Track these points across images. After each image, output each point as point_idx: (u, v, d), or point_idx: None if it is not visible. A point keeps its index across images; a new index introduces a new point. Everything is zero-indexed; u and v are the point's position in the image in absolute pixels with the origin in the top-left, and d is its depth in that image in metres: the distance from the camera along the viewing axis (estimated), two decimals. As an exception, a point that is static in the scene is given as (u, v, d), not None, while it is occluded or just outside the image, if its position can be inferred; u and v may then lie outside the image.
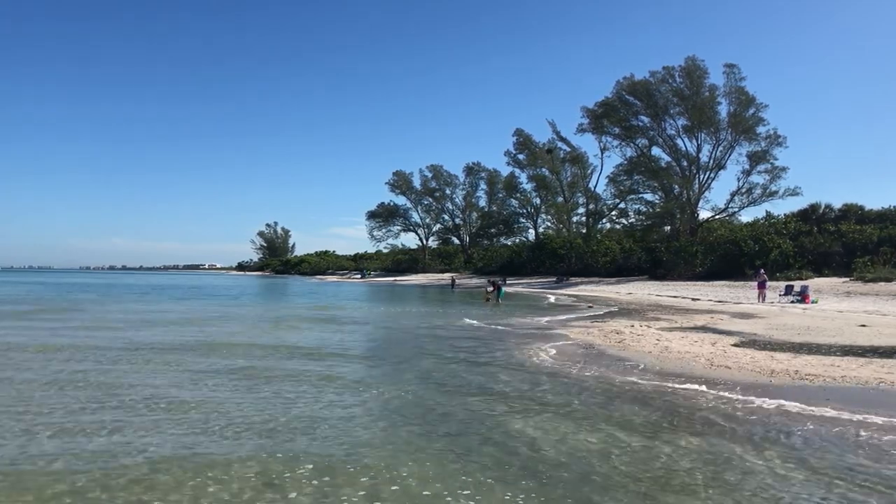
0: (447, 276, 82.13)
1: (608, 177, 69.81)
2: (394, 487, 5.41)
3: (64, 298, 38.34)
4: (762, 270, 34.99)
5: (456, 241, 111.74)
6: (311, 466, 5.90)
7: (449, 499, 5.20)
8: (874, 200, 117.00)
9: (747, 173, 58.17)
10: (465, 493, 5.31)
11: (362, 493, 5.27)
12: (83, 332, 17.80)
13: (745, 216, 63.29)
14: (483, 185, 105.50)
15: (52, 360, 12.16)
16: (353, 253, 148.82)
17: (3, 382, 9.96)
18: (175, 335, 17.23)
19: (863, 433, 7.06)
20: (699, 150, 61.20)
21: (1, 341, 15.14)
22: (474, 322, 22.25)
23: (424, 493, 5.30)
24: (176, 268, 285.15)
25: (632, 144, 65.79)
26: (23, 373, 10.85)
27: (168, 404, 8.39)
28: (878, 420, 7.57)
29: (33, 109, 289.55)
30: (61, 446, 6.52)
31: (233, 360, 12.59)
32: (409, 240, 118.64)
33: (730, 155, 59.52)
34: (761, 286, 31.99)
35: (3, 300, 35.33)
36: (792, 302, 29.64)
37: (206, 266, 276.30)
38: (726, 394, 9.29)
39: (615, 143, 67.39)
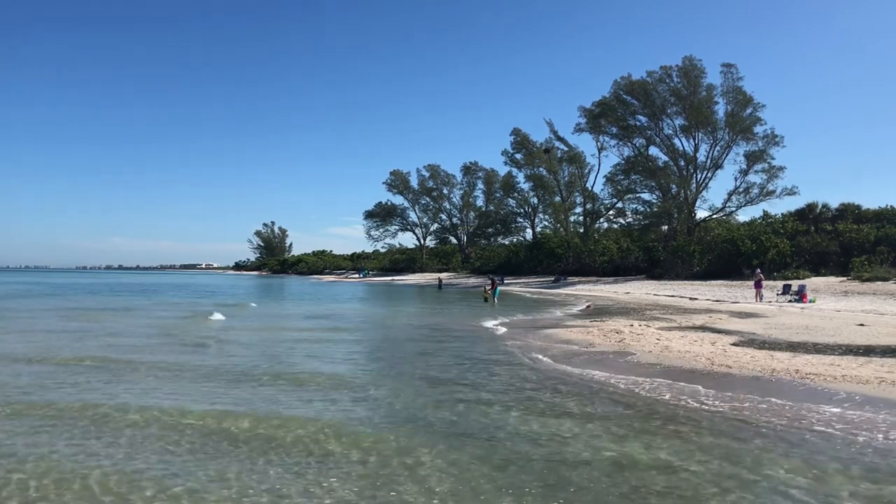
0: (443, 275, 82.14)
1: (606, 176, 69.93)
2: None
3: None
4: (758, 270, 35.08)
5: (453, 240, 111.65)
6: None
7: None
8: (871, 200, 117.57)
9: (745, 173, 58.33)
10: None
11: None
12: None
13: (743, 216, 63.51)
14: (480, 185, 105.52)
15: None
16: (350, 252, 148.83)
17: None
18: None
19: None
20: (696, 149, 61.35)
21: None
22: (470, 322, 22.28)
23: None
24: (173, 267, 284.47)
25: (629, 144, 65.90)
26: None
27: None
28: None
29: (32, 111, 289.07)
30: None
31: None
32: (407, 239, 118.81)
33: (727, 154, 59.68)
34: (757, 286, 32.07)
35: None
36: (790, 301, 29.69)
37: (203, 266, 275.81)
38: (730, 393, 9.32)
39: (613, 142, 67.57)
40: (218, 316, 23.72)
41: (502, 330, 19.37)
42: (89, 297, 41.70)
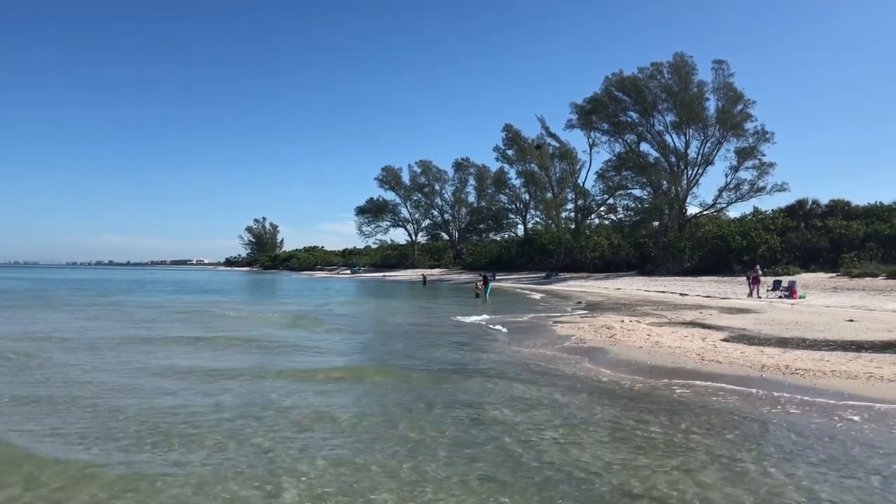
0: (434, 271, 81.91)
1: (597, 172, 69.78)
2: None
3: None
4: (757, 266, 34.79)
5: (445, 236, 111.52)
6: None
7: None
8: (861, 196, 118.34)
9: (735, 169, 58.30)
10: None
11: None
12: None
13: (733, 212, 63.44)
14: (472, 181, 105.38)
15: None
16: (342, 249, 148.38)
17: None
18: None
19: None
20: (687, 145, 61.31)
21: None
22: (461, 318, 22.19)
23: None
24: (164, 263, 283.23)
25: (620, 140, 65.75)
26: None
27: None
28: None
29: (26, 110, 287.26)
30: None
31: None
32: (398, 235, 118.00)
33: (718, 151, 59.63)
34: (755, 281, 31.81)
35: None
36: (780, 297, 29.74)
37: (194, 262, 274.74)
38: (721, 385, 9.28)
39: (604, 138, 67.45)
40: None
41: (491, 324, 19.28)
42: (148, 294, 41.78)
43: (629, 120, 63.92)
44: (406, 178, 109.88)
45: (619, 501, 5.10)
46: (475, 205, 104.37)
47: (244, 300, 36.68)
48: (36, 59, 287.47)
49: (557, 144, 79.04)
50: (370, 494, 5.21)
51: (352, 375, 10.73)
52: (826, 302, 26.23)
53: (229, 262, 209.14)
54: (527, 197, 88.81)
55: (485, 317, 22.39)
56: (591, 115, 64.87)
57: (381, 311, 28.04)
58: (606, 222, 74.12)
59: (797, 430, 7.03)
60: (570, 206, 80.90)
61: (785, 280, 33.46)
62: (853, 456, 6.12)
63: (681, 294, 35.18)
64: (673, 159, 62.25)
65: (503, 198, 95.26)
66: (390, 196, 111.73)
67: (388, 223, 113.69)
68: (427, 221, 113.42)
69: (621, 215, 69.42)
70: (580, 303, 30.89)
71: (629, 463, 5.98)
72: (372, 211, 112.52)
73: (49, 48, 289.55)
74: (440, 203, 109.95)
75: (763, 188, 56.89)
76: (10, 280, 67.11)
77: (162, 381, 10.05)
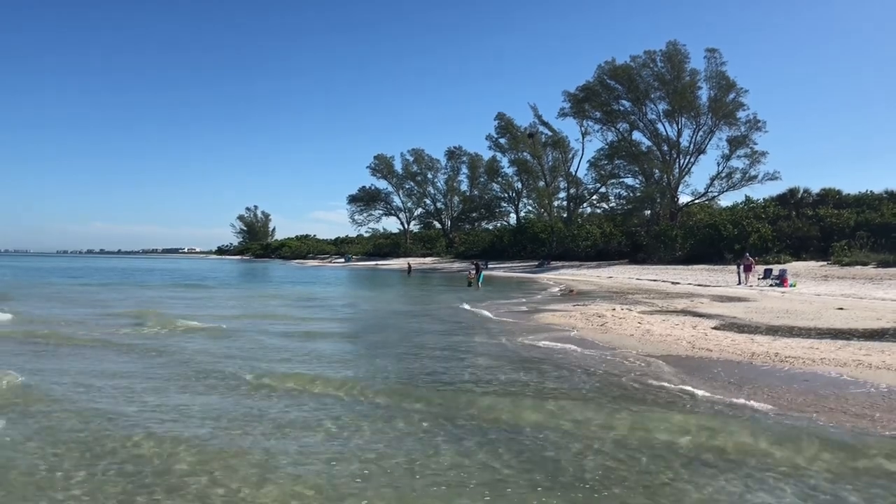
0: (427, 260, 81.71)
1: (589, 161, 69.82)
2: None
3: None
4: (748, 254, 34.91)
5: (438, 225, 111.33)
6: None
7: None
8: (852, 185, 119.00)
9: (727, 158, 58.34)
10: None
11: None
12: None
13: (725, 200, 63.65)
14: (465, 170, 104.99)
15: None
16: (334, 237, 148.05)
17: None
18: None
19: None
20: (679, 134, 61.29)
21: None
22: (454, 305, 22.14)
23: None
24: (155, 251, 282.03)
25: (613, 129, 65.71)
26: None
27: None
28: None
29: (13, 97, 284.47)
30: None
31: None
32: (391, 224, 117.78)
33: (710, 139, 59.66)
34: (748, 269, 31.96)
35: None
36: (771, 286, 29.87)
37: (186, 250, 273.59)
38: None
39: (596, 127, 67.37)
40: None
41: (483, 312, 19.23)
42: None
43: (621, 108, 63.88)
44: (398, 167, 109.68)
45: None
46: (467, 193, 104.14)
47: (271, 288, 36.56)
48: (24, 46, 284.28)
49: (550, 133, 78.93)
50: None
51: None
52: (816, 290, 26.35)
53: (221, 251, 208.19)
54: (519, 185, 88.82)
55: (476, 305, 22.34)
56: (583, 103, 64.74)
57: (377, 299, 27.98)
58: (598, 211, 74.24)
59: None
60: (562, 194, 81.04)
61: (776, 268, 33.61)
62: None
63: (672, 282, 35.29)
64: (665, 148, 62.29)
65: (495, 186, 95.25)
66: (382, 184, 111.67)
67: (381, 212, 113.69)
68: (419, 210, 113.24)
69: (613, 204, 69.61)
70: (571, 291, 30.91)
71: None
72: (364, 199, 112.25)
73: (37, 34, 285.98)
74: (432, 191, 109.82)
75: (755, 177, 57.06)
76: (18, 270, 66.53)
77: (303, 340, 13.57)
